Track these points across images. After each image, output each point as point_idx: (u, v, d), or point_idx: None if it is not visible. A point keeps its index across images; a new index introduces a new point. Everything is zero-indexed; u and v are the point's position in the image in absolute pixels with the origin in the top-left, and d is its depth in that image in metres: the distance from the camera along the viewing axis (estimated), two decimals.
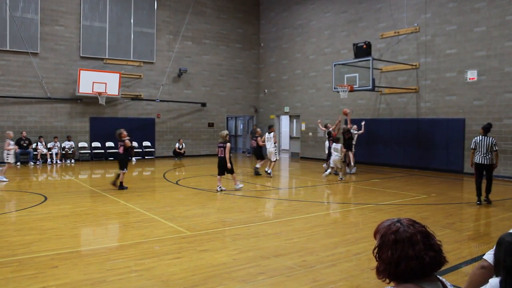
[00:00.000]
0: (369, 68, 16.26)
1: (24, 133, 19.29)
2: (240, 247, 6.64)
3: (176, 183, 14.04)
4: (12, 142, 14.71)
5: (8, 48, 19.54)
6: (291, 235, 7.39)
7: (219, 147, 12.32)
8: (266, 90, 26.19)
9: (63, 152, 20.34)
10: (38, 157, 19.47)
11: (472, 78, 16.08)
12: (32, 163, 19.20)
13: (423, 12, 17.53)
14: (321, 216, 9.11)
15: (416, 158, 17.84)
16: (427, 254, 1.71)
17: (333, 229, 8.08)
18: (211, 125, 24.93)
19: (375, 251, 1.85)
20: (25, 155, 19.33)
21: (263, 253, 6.30)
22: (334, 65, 17.99)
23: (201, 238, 7.13)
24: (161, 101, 23.02)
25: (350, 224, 8.58)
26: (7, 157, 14.43)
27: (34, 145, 19.58)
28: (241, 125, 27.96)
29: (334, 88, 17.74)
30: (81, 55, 21.18)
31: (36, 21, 20.18)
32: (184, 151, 22.86)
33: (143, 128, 22.56)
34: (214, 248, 6.53)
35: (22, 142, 19.10)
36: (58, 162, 19.97)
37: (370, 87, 16.40)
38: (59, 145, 20.23)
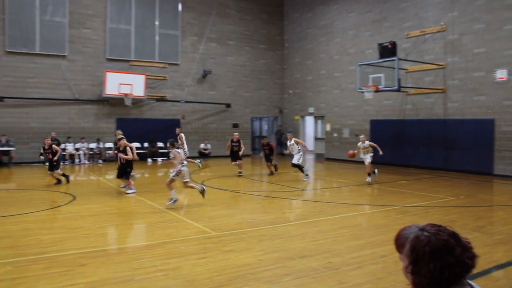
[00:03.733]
0: (395, 68, 16.05)
1: (53, 134, 19.69)
2: (266, 248, 6.63)
3: (202, 183, 14.11)
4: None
5: (38, 51, 20.04)
6: (317, 237, 7.35)
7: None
8: (290, 91, 26.14)
9: (91, 152, 20.73)
10: (67, 157, 19.88)
11: (502, 78, 15.68)
12: (61, 163, 19.58)
13: (450, 10, 17.19)
14: (346, 218, 9.02)
15: (443, 159, 17.51)
16: (467, 257, 1.65)
17: (358, 231, 8.00)
18: (235, 125, 25.00)
19: (409, 268, 1.69)
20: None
21: (288, 254, 6.28)
22: (359, 65, 17.83)
23: (226, 238, 7.15)
24: (186, 102, 23.22)
25: (376, 226, 8.47)
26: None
27: (62, 146, 19.99)
28: (266, 126, 27.95)
29: (359, 89, 17.57)
30: (107, 57, 21.55)
31: (64, 24, 20.65)
32: (210, 152, 23.00)
33: (168, 129, 22.72)
34: (239, 249, 6.54)
35: (53, 142, 19.55)
36: (86, 162, 20.36)
37: (396, 87, 16.18)
38: (86, 146, 20.63)
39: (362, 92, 17.45)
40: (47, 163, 13.83)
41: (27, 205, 10.06)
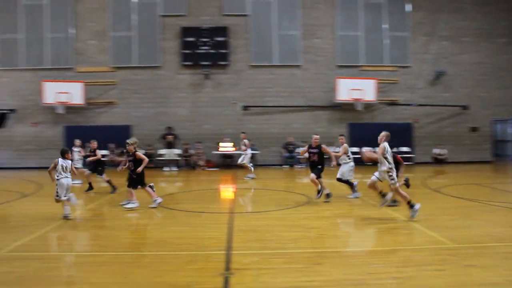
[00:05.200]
0: None
1: (291, 138, 20.70)
2: None
3: (437, 191, 12.72)
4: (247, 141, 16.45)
5: (275, 63, 21.60)
6: None
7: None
8: None
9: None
10: (302, 161, 20.51)
11: None
12: (298, 166, 20.36)
13: None
14: None
15: None
16: None
17: None
18: (474, 129, 22.44)
19: None
20: (291, 159, 20.67)
21: None
22: None
23: (466, 252, 6.39)
24: (418, 105, 21.86)
25: None
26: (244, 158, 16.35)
27: (298, 150, 20.76)
28: (511, 129, 24.42)
29: None
30: (338, 64, 21.86)
31: (297, 37, 21.78)
32: (446, 158, 21.04)
33: (400, 133, 21.64)
34: (482, 265, 5.74)
35: (288, 146, 20.61)
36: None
37: None
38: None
39: None
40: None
41: (269, 204, 10.49)
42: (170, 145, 20.68)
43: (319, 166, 10.85)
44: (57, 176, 8.86)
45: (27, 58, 21.71)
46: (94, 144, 13.11)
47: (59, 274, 5.74)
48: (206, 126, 21.31)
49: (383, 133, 9.14)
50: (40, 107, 21.26)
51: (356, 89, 20.93)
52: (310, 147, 11.05)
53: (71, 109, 21.16)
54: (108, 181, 12.70)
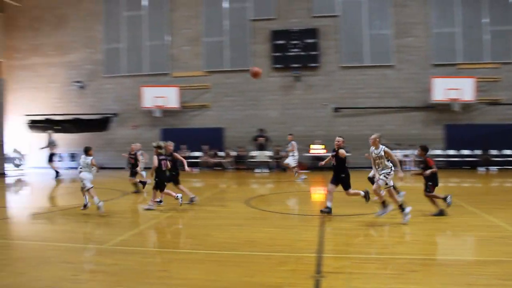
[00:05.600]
0: None
1: (383, 141, 20.18)
2: None
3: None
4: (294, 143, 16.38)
5: (367, 64, 21.15)
6: None
7: None
8: None
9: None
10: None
11: None
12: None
13: None
14: None
15: None
16: None
17: None
18: None
19: None
20: None
21: None
22: None
23: None
24: None
25: None
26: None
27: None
28: None
29: None
30: (433, 63, 20.98)
31: (389, 36, 21.21)
32: None
33: (503, 135, 20.36)
34: None
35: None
36: (413, 168, 19.93)
37: None
38: (414, 153, 20.26)
39: None
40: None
41: (361, 207, 9.98)
42: (261, 147, 21.03)
43: (342, 175, 9.19)
44: (80, 170, 10.06)
45: (128, 66, 23.17)
46: (135, 146, 13.47)
47: (157, 268, 6.02)
48: (297, 128, 21.39)
49: (377, 135, 8.96)
50: (139, 111, 22.60)
51: (453, 89, 19.96)
52: (333, 150, 9.43)
53: (167, 112, 22.26)
54: (141, 182, 13.11)
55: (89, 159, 10.04)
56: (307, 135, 21.08)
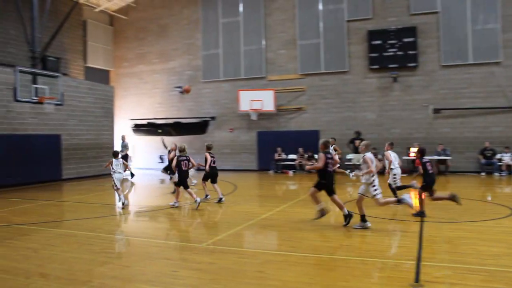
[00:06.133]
0: None
1: (487, 143, 19.17)
2: None
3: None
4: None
5: (471, 62, 20.06)
6: None
7: None
8: None
9: None
10: (503, 168, 18.84)
11: None
12: (497, 174, 18.77)
13: None
14: None
15: None
16: None
17: None
18: None
19: None
20: (489, 166, 19.14)
21: None
22: None
23: None
24: None
25: None
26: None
27: (498, 156, 19.12)
28: None
29: None
30: None
31: (496, 30, 19.90)
32: None
33: None
34: None
35: (485, 152, 19.13)
36: None
37: None
38: None
39: None
40: None
41: (464, 214, 9.75)
42: (357, 150, 20.86)
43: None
44: (112, 171, 11.74)
45: (225, 70, 24.09)
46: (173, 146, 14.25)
47: (253, 269, 6.20)
48: (394, 131, 20.98)
49: (366, 142, 8.92)
50: (236, 114, 23.43)
51: None
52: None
53: (263, 115, 22.85)
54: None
55: (120, 161, 11.68)
56: (405, 137, 20.58)
